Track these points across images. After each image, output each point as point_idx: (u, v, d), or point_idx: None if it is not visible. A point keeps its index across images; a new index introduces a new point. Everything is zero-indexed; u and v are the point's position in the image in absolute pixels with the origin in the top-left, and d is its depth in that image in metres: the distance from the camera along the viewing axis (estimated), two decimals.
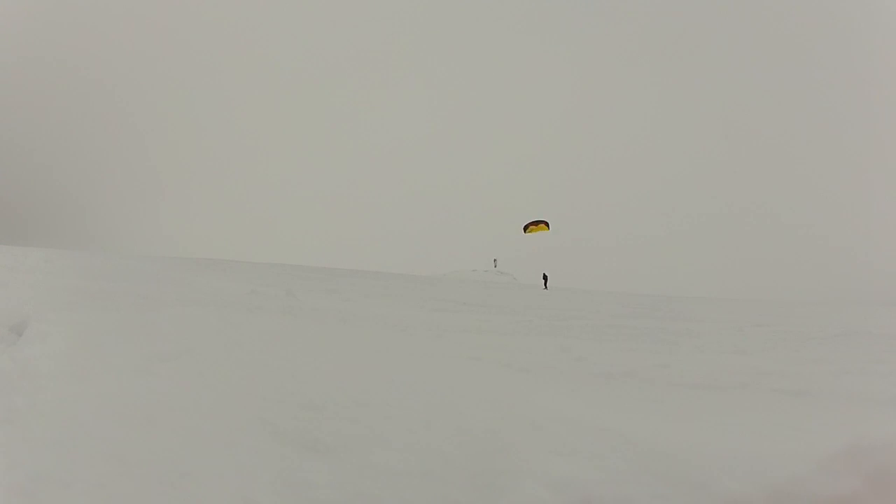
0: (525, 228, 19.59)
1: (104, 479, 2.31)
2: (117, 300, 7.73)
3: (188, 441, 2.61)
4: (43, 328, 4.77)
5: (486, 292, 16.97)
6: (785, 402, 3.76)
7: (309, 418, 2.88)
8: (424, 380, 3.71)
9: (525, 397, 3.35)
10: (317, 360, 4.19)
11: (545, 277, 26.90)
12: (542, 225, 19.52)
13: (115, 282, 10.79)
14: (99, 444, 2.57)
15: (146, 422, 2.80)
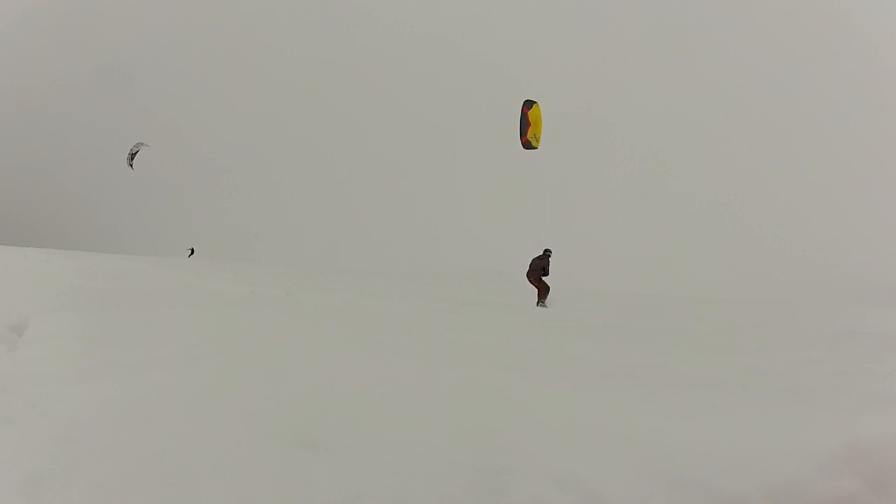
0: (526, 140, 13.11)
1: (104, 479, 2.31)
2: (117, 300, 7.73)
3: (188, 441, 2.61)
4: (43, 328, 4.78)
5: (486, 292, 16.98)
6: (784, 402, 3.76)
7: (309, 418, 2.88)
8: (424, 380, 3.71)
9: (525, 397, 3.35)
10: (316, 360, 4.19)
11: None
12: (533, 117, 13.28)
13: (115, 282, 10.79)
14: (99, 444, 2.57)
15: (146, 422, 2.81)
